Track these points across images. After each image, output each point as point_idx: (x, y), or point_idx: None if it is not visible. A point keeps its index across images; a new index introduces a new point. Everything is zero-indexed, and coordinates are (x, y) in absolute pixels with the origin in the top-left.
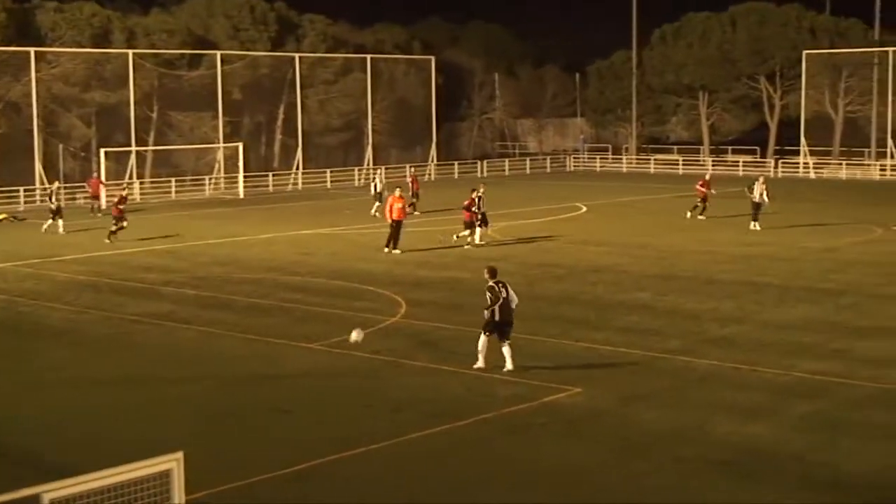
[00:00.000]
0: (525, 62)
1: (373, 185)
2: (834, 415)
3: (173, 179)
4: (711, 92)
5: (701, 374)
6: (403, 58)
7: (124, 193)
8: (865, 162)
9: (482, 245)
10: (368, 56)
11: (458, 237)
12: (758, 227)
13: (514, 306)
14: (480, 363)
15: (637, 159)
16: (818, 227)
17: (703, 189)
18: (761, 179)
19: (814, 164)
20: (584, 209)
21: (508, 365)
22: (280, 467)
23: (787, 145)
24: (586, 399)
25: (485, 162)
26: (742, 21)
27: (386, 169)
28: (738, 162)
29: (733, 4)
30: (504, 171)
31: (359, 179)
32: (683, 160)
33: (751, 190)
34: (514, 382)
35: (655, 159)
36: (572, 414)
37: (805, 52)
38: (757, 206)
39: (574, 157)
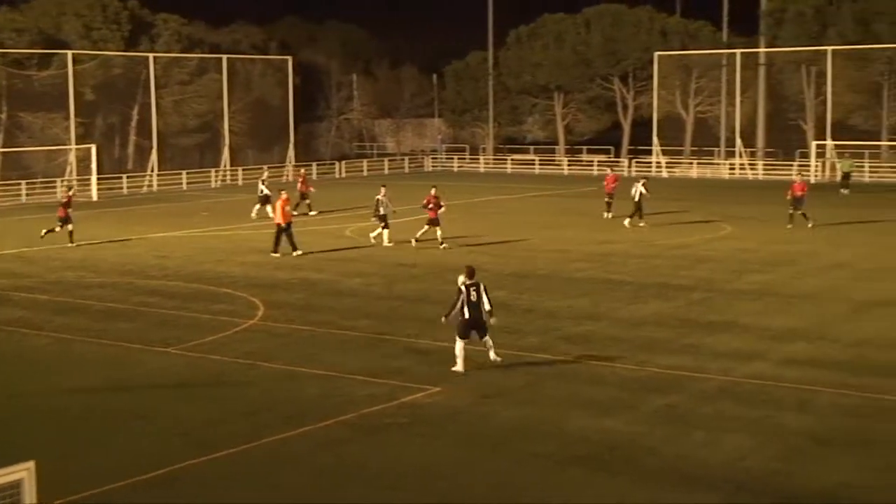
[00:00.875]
0: (382, 63)
1: (260, 186)
2: (686, 408)
3: (23, 182)
4: (567, 92)
5: (558, 370)
6: (260, 58)
7: (70, 194)
8: (715, 161)
9: (373, 245)
10: (224, 56)
11: (417, 238)
12: (627, 224)
13: (487, 308)
14: (459, 367)
15: (494, 159)
16: (671, 225)
17: (612, 186)
18: (641, 182)
19: (666, 163)
20: (442, 209)
21: (492, 355)
22: (137, 473)
23: (640, 145)
24: (445, 398)
25: (343, 163)
26: (596, 23)
27: (244, 170)
28: (592, 161)
29: (587, 6)
30: (363, 171)
31: (215, 180)
32: (540, 160)
33: (647, 189)
34: (372, 383)
35: (512, 159)
36: (431, 413)
37: (657, 53)
38: (638, 205)
39: (432, 158)
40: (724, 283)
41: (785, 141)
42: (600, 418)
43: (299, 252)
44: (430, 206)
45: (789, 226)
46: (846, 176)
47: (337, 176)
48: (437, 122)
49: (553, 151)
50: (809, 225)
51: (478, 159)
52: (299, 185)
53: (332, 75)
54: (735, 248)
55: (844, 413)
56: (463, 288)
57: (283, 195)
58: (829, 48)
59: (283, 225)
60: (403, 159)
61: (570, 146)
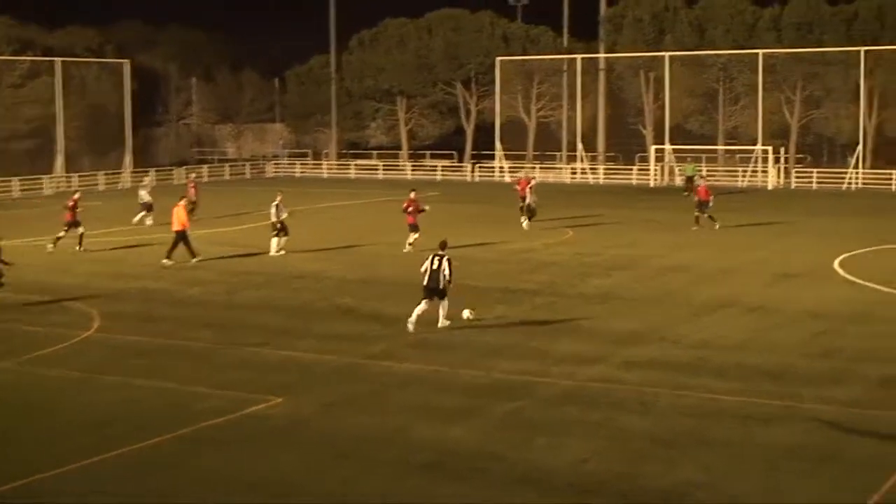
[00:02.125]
0: (223, 67)
1: (141, 193)
2: (532, 413)
3: None
4: (409, 97)
5: (402, 377)
6: (95, 61)
7: (76, 197)
8: (557, 165)
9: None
10: (58, 59)
11: (410, 244)
12: (526, 226)
13: (445, 276)
14: (410, 324)
15: (337, 165)
16: (515, 230)
17: (524, 188)
18: (532, 182)
19: (509, 168)
20: (285, 215)
21: (440, 321)
22: None
23: (483, 150)
24: (289, 408)
25: (183, 168)
26: (438, 27)
27: (80, 177)
28: (436, 167)
29: (429, 11)
30: (203, 177)
31: (49, 187)
32: (383, 165)
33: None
34: (214, 395)
35: (356, 164)
36: (276, 423)
37: (498, 58)
38: (530, 209)
39: (274, 163)
40: (568, 287)
41: (625, 146)
42: (446, 425)
43: (199, 258)
44: (410, 210)
45: (694, 228)
46: (690, 180)
47: (176, 182)
48: (278, 128)
49: (396, 156)
50: (716, 226)
51: (321, 165)
52: (190, 190)
53: (170, 79)
54: (578, 252)
55: (685, 414)
56: (431, 256)
57: (182, 201)
58: (667, 54)
59: (181, 231)
60: (245, 165)
61: (414, 151)
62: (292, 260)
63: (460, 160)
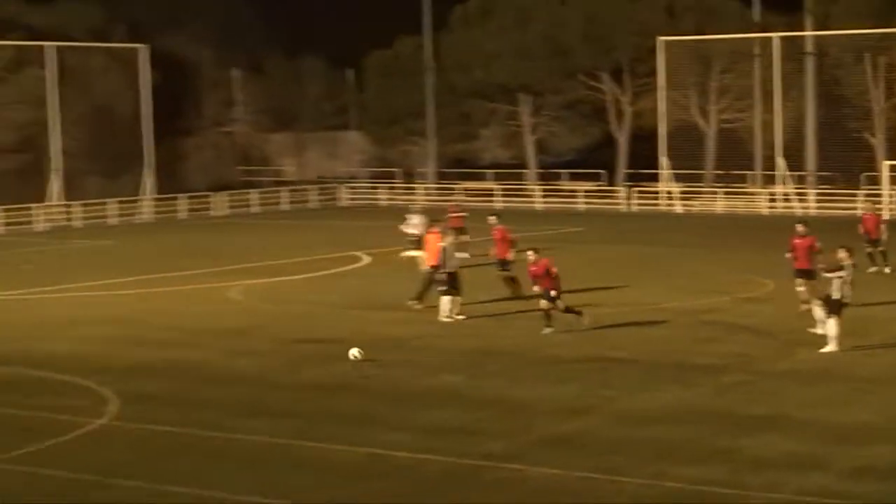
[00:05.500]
0: (275, 52)
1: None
2: None
3: None
4: (537, 94)
5: (536, 486)
6: (102, 46)
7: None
8: (748, 189)
9: None
10: (52, 44)
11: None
12: None
13: None
14: (833, 346)
15: (438, 188)
16: (689, 279)
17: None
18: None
19: (681, 192)
20: (367, 260)
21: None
22: None
23: (642, 167)
24: None
25: (225, 194)
26: None
27: (84, 206)
28: (576, 192)
29: None
30: (249, 206)
31: (42, 221)
32: (502, 190)
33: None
34: None
35: (464, 188)
36: None
37: (661, 38)
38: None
39: (350, 187)
40: (768, 361)
41: (846, 161)
42: None
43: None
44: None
45: (872, 269)
46: None
47: (213, 213)
48: (353, 137)
49: (520, 177)
50: (887, 270)
51: (413, 189)
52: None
53: (203, 70)
54: (783, 311)
55: None
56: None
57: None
58: None
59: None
60: (309, 190)
61: (545, 170)
62: (374, 322)
63: (611, 181)
